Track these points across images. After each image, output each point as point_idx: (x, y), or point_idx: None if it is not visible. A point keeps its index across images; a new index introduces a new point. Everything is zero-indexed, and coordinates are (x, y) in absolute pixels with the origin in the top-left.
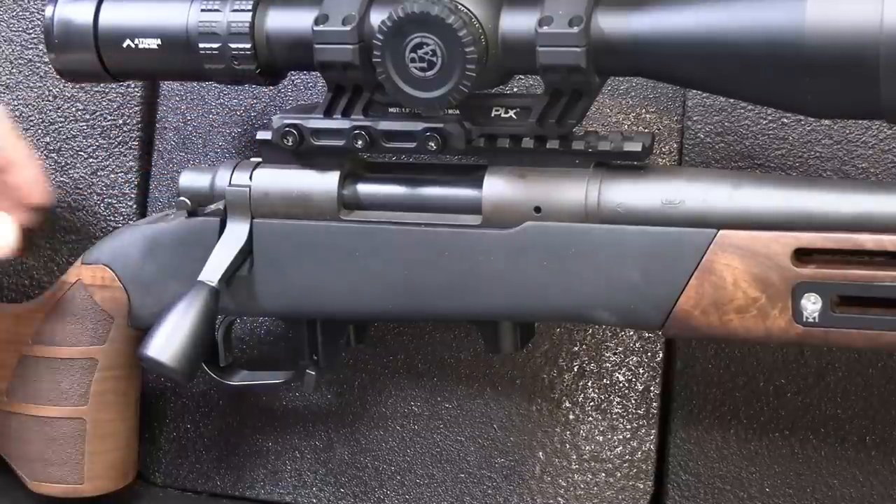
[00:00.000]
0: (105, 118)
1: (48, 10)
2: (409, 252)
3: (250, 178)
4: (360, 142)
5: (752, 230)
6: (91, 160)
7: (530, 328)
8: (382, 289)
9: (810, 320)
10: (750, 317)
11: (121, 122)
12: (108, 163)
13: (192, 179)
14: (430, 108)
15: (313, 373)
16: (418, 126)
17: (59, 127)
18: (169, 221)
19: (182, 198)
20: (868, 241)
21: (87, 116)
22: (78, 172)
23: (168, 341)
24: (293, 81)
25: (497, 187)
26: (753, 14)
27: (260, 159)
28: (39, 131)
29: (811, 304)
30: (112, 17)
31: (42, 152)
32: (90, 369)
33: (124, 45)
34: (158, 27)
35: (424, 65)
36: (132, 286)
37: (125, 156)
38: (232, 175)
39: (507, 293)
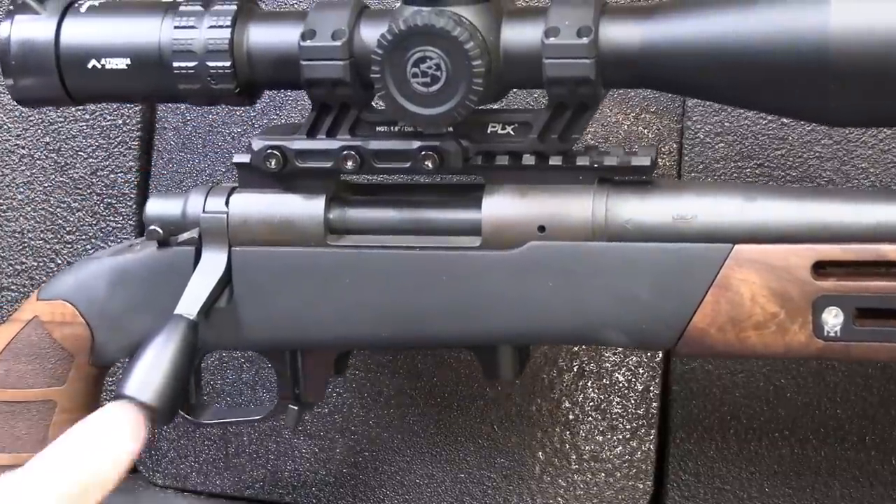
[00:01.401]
0: (105, 118)
1: (3, 30)
2: (404, 277)
3: (226, 203)
4: (349, 163)
5: (768, 244)
6: (91, 160)
7: (525, 356)
8: (375, 317)
9: (831, 334)
10: (769, 333)
11: (121, 122)
12: (107, 163)
13: (160, 207)
14: (433, 126)
15: (296, 407)
16: (413, 144)
17: (59, 127)
18: (137, 252)
19: (153, 227)
20: (890, 251)
21: (87, 116)
22: (78, 172)
23: (147, 379)
24: None
25: (497, 206)
26: (774, 22)
27: (234, 184)
28: (39, 131)
29: (832, 318)
30: (75, 34)
31: (42, 152)
32: (48, 413)
33: (89, 65)
34: (128, 45)
35: (428, 80)
36: (96, 321)
37: (125, 156)
38: (206, 201)
39: (511, 316)
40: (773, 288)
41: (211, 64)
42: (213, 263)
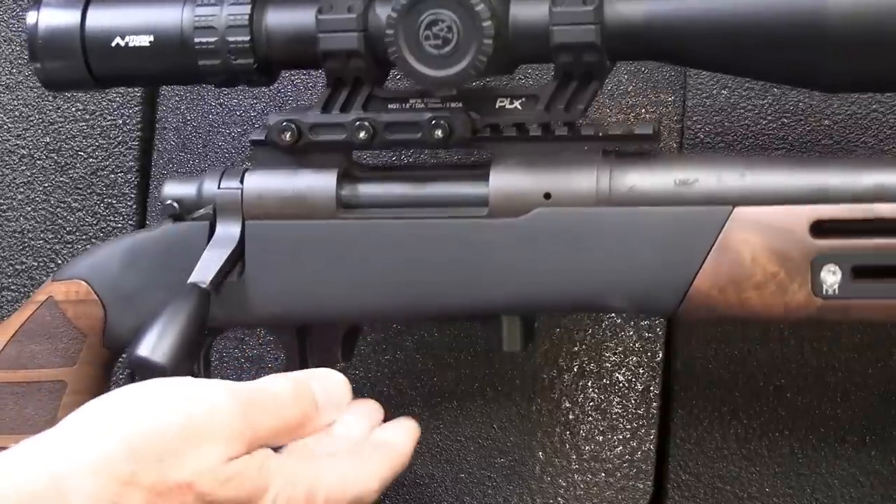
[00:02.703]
0: (105, 118)
1: (31, 17)
2: (414, 247)
3: (241, 181)
4: (362, 133)
5: (767, 205)
6: (91, 160)
7: (531, 328)
8: (385, 287)
9: (830, 293)
10: (769, 293)
11: (121, 122)
12: (108, 163)
13: (176, 188)
14: (445, 87)
15: None
16: (423, 115)
17: (59, 127)
18: (151, 230)
19: (169, 201)
20: (885, 209)
21: (87, 116)
22: (78, 172)
23: (160, 341)
24: (293, 82)
25: (504, 176)
26: None
27: (249, 166)
28: (39, 131)
29: (831, 277)
30: (101, 14)
31: (42, 152)
32: (58, 394)
33: (113, 43)
34: (150, 23)
35: (439, 42)
36: (110, 299)
37: (125, 156)
38: (221, 180)
39: (518, 284)
40: (772, 248)
41: (231, 39)
42: (226, 236)
